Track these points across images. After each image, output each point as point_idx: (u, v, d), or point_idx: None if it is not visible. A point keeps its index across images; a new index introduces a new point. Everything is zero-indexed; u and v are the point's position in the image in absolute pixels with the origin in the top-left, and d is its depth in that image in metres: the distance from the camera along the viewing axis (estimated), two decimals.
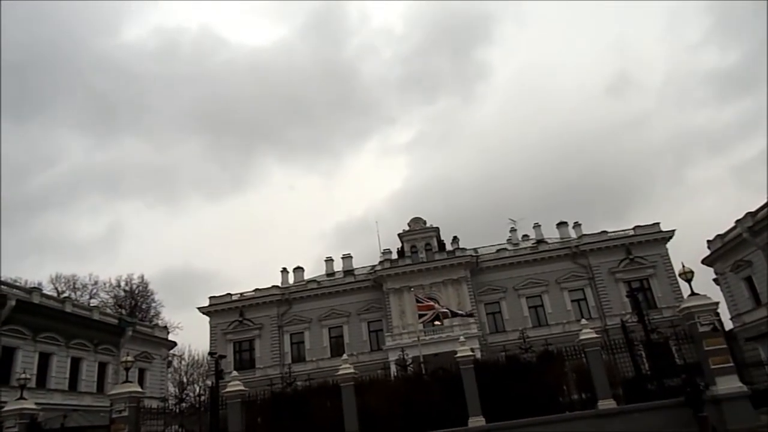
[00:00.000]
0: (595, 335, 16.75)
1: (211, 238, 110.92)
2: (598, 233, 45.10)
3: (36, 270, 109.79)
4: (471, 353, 17.71)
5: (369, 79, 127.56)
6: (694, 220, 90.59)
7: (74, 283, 52.27)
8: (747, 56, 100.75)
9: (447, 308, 35.82)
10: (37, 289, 31.66)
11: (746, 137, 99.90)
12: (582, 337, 16.71)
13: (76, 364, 31.13)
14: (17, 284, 34.66)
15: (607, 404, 15.76)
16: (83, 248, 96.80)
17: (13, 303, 26.49)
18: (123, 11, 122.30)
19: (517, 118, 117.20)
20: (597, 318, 41.26)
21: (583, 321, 18.69)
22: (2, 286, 27.71)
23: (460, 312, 39.36)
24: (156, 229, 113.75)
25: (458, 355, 17.39)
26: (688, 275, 16.72)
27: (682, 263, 17.18)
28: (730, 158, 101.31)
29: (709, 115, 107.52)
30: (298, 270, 52.56)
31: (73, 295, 45.24)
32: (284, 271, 51.60)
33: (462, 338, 20.18)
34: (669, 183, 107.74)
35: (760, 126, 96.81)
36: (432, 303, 36.67)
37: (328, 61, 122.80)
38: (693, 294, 16.46)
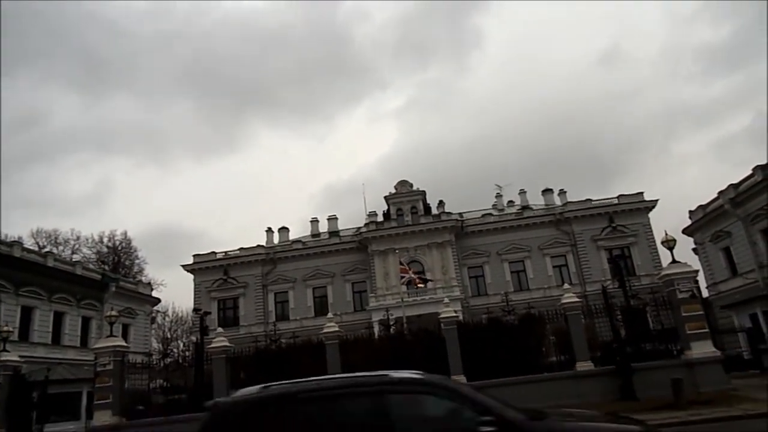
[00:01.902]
0: (576, 299, 17.10)
1: (200, 199, 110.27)
2: (583, 201, 45.48)
3: (21, 225, 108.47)
4: (454, 314, 17.97)
5: (362, 43, 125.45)
6: (677, 191, 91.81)
7: (56, 238, 51.72)
8: (738, 31, 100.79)
9: (418, 276, 36.77)
10: (17, 243, 31.27)
11: (730, 113, 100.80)
12: (564, 301, 17.04)
13: (59, 318, 31.09)
14: None
15: (585, 366, 16.20)
16: (71, 204, 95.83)
17: None
18: None
19: (509, 86, 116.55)
20: (577, 284, 41.88)
21: (566, 285, 19.03)
22: None
23: (429, 279, 40.34)
24: (145, 187, 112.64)
25: (442, 315, 17.66)
26: (670, 243, 17.03)
27: (665, 231, 17.50)
28: (714, 133, 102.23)
29: (697, 90, 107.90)
30: (283, 230, 52.45)
31: (54, 250, 44.71)
32: (269, 230, 51.46)
33: (446, 299, 20.39)
34: (655, 155, 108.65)
35: (744, 102, 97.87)
36: (406, 268, 37.55)
37: (321, 22, 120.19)
38: (674, 262, 16.79)
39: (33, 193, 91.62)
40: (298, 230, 55.65)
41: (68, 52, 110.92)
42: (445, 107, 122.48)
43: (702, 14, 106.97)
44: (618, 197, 44.95)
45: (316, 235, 52.51)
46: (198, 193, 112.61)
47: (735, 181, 33.32)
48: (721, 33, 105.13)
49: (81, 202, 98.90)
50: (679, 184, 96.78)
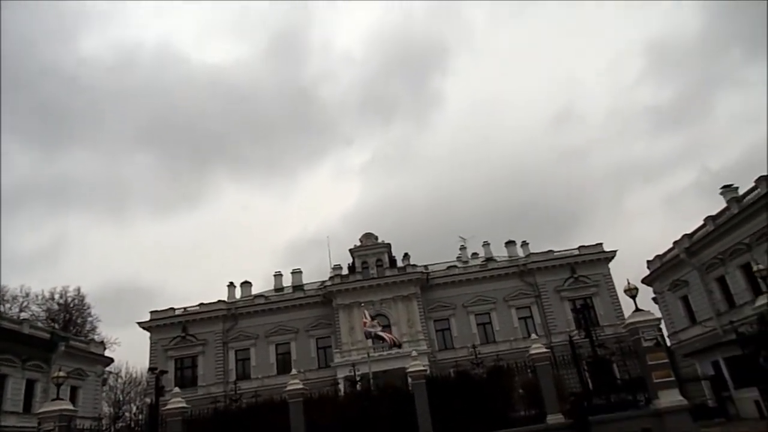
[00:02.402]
0: (544, 350, 16.95)
1: (159, 254, 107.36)
2: (545, 252, 46.19)
3: None
4: (423, 368, 17.54)
5: (327, 102, 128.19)
6: (632, 243, 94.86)
7: (2, 296, 48.98)
8: (681, 93, 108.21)
9: (378, 332, 35.66)
10: None
11: (677, 168, 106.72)
12: (532, 352, 16.87)
13: (1, 381, 28.97)
14: None
15: (555, 419, 15.90)
16: (24, 262, 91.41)
17: None
18: (81, 21, 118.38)
19: (469, 144, 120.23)
20: (543, 335, 41.86)
21: (533, 336, 18.94)
22: None
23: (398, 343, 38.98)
24: (101, 243, 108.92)
25: (410, 370, 17.20)
26: (632, 291, 17.28)
27: (627, 280, 17.78)
28: (663, 187, 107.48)
29: (645, 147, 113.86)
30: (246, 285, 51.21)
31: (1, 308, 42.30)
32: (231, 285, 50.17)
33: (414, 352, 19.97)
34: (609, 208, 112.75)
35: (690, 158, 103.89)
36: (367, 321, 36.52)
37: (288, 81, 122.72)
38: (637, 310, 16.94)
39: None
40: (261, 285, 54.52)
41: (25, 105, 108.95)
42: (408, 163, 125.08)
43: (645, 80, 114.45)
44: (579, 248, 45.88)
45: (279, 289, 51.45)
46: (157, 248, 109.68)
47: (688, 232, 34.57)
48: (664, 94, 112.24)
49: (34, 258, 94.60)
50: (633, 237, 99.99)
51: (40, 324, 41.35)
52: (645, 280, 39.88)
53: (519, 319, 44.37)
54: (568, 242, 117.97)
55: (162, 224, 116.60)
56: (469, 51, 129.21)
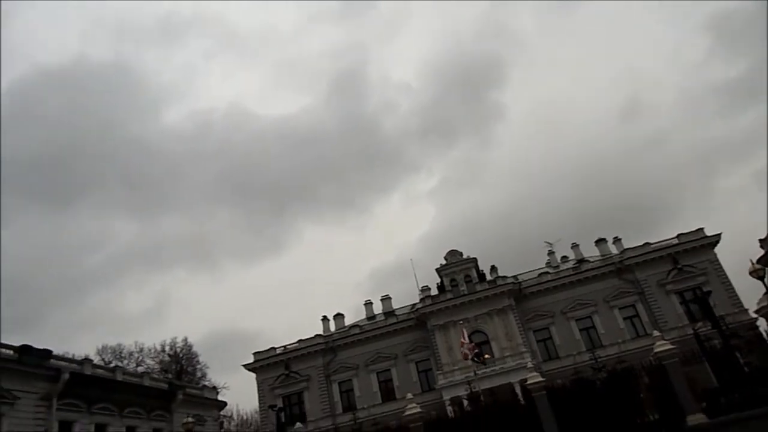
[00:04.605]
0: (671, 346, 15.90)
1: (252, 299, 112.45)
2: (641, 246, 43.77)
3: (87, 347, 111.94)
4: (542, 379, 16.93)
5: (391, 132, 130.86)
6: (731, 225, 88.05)
7: (120, 353, 52.51)
8: (751, 67, 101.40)
9: (475, 352, 34.68)
10: (88, 360, 31.70)
11: (764, 142, 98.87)
12: (658, 350, 15.86)
13: None
14: (68, 357, 34.84)
15: (696, 419, 14.77)
16: (132, 321, 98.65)
17: (67, 376, 26.42)
18: (162, 95, 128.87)
19: (537, 149, 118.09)
20: (653, 333, 39.53)
21: (655, 333, 17.83)
22: (55, 360, 27.81)
23: (486, 356, 37.85)
24: (199, 295, 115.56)
25: (529, 382, 16.67)
26: (760, 272, 15.97)
27: (752, 261, 16.48)
28: (753, 164, 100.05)
29: (726, 126, 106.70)
30: (339, 317, 52.03)
31: (120, 364, 45.27)
32: (325, 319, 51.13)
33: (529, 364, 19.37)
34: (700, 193, 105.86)
35: None
36: (465, 342, 35.81)
37: (351, 120, 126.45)
38: None
39: (97, 315, 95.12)
40: (353, 316, 55.27)
41: (116, 176, 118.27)
42: (478, 178, 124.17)
43: (713, 58, 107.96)
44: (678, 237, 43.14)
45: (371, 317, 51.81)
46: (250, 294, 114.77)
47: None
48: (733, 70, 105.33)
49: (142, 316, 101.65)
50: (732, 218, 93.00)
51: (155, 376, 43.83)
52: (762, 261, 36.70)
53: (624, 319, 42.07)
54: (663, 233, 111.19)
55: (251, 271, 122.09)
56: (523, 60, 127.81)
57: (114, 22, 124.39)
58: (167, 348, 55.63)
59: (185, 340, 57.42)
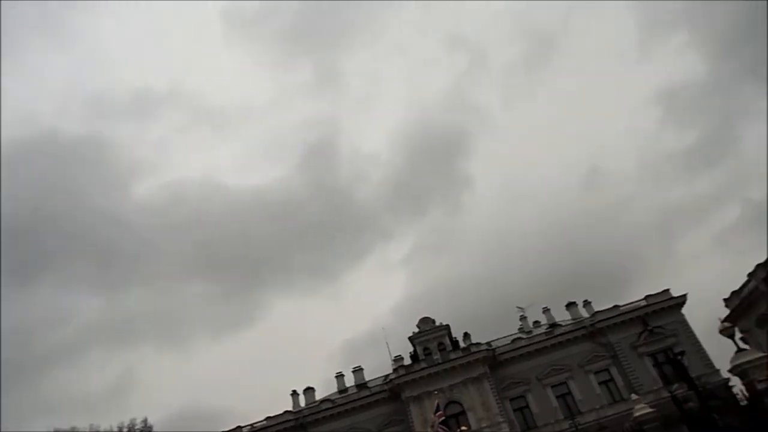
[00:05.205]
0: (651, 409, 15.65)
1: (222, 375, 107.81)
2: (611, 308, 44.06)
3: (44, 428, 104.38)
4: None
5: (362, 202, 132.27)
6: (695, 288, 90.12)
7: None
8: (701, 136, 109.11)
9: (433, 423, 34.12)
10: None
11: (720, 205, 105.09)
12: (637, 414, 15.58)
13: None
14: None
15: None
16: (94, 401, 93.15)
17: None
18: (133, 171, 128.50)
19: (505, 218, 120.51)
20: (628, 398, 39.07)
21: (633, 396, 17.59)
22: None
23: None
24: (166, 372, 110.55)
25: None
26: (729, 330, 16.11)
27: (720, 319, 16.66)
28: (711, 226, 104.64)
29: (684, 191, 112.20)
30: (309, 390, 49.85)
31: None
32: (294, 393, 48.94)
33: None
34: (663, 256, 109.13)
35: (729, 194, 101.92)
36: (433, 418, 35.41)
37: (323, 190, 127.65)
38: (740, 350, 15.70)
39: (56, 395, 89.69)
40: (324, 389, 53.00)
41: (84, 250, 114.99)
42: (449, 245, 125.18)
43: (666, 127, 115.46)
44: (645, 298, 43.73)
45: (343, 390, 49.88)
46: (218, 369, 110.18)
47: (761, 261, 32.76)
48: (689, 137, 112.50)
49: (103, 396, 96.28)
50: (695, 279, 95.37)
51: None
52: (726, 320, 37.30)
53: (599, 383, 41.58)
54: (631, 295, 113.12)
55: (221, 345, 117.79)
56: (489, 132, 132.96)
57: (89, 95, 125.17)
58: (125, 430, 52.01)
59: (145, 421, 53.85)
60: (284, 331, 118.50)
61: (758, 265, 32.69)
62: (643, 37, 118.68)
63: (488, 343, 45.93)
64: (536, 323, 51.58)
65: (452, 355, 43.31)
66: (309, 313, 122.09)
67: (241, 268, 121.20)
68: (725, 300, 37.29)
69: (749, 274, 33.72)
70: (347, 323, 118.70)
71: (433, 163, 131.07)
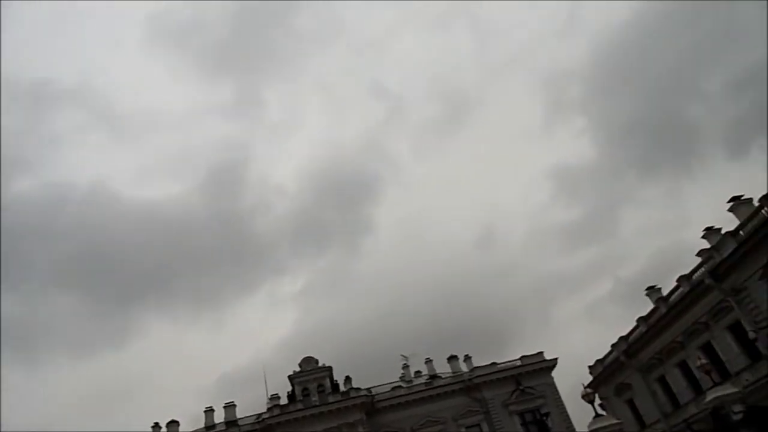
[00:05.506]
0: None
1: (79, 401, 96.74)
2: (488, 365, 45.51)
3: None
4: None
5: (261, 233, 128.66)
6: (567, 350, 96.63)
7: None
8: (586, 213, 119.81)
9: None
10: None
11: (594, 279, 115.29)
12: None
13: None
14: None
15: None
16: None
17: None
18: (15, 164, 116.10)
19: (401, 266, 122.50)
20: None
21: None
22: None
23: None
24: (13, 391, 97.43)
25: None
26: (590, 396, 17.09)
27: (583, 385, 17.68)
28: (584, 297, 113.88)
29: (565, 262, 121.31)
30: (172, 424, 46.22)
31: None
32: (156, 426, 45.30)
33: None
34: (540, 320, 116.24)
35: (603, 271, 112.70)
36: None
37: (222, 214, 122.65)
38: (597, 415, 16.67)
39: None
40: (191, 424, 49.47)
41: None
42: (343, 287, 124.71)
43: (556, 202, 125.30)
44: (521, 358, 45.68)
45: (210, 427, 46.81)
46: (77, 394, 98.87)
47: (624, 334, 35.58)
48: (574, 214, 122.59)
49: None
50: (567, 345, 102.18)
51: None
52: (590, 386, 39.81)
53: None
54: (509, 354, 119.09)
55: (83, 368, 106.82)
56: (397, 181, 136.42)
57: None
58: None
59: None
60: (158, 357, 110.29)
61: (621, 338, 35.46)
62: (549, 117, 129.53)
63: (368, 389, 45.55)
64: (417, 373, 52.06)
65: (330, 398, 42.43)
66: (188, 339, 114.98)
67: (120, 285, 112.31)
68: (590, 367, 39.91)
69: (613, 345, 36.44)
70: (227, 355, 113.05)
71: (340, 203, 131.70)
